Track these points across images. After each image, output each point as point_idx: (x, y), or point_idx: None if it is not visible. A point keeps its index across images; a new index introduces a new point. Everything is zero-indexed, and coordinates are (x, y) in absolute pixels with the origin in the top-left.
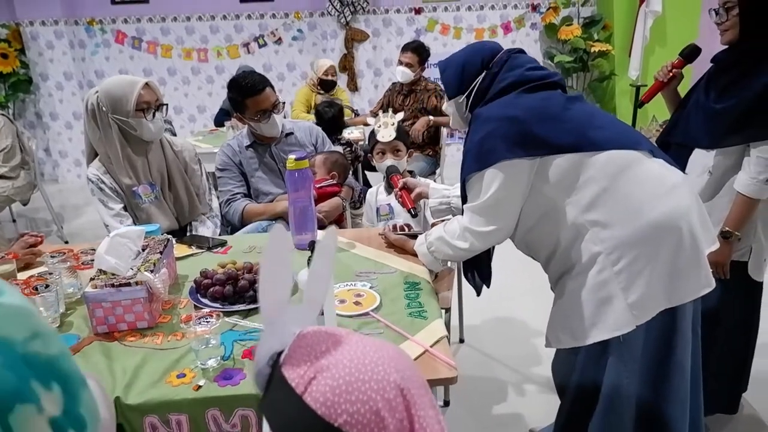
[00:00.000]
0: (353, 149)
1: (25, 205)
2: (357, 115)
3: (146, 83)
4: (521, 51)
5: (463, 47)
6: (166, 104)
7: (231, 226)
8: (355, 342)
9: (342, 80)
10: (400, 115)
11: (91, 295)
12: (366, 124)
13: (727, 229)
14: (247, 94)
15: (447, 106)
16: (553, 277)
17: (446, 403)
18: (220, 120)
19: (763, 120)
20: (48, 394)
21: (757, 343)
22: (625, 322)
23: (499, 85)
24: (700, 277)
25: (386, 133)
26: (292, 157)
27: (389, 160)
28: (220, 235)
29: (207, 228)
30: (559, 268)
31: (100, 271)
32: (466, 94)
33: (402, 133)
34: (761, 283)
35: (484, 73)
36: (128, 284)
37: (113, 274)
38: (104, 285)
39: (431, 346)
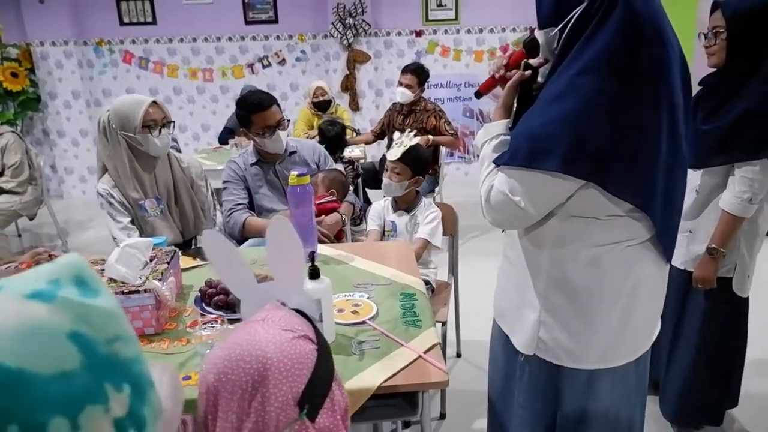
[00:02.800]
0: (354, 167)
1: (31, 220)
2: (358, 134)
3: (154, 101)
4: None
5: None
6: (173, 121)
7: (232, 238)
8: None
9: (344, 100)
10: (418, 138)
11: None
12: (367, 143)
13: (713, 246)
14: (253, 110)
15: (538, 33)
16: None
17: (442, 416)
18: (224, 138)
19: (746, 141)
20: (118, 395)
21: (747, 359)
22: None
23: (596, 41)
24: None
25: (394, 153)
26: (294, 173)
27: (386, 180)
28: None
29: None
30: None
31: (110, 279)
32: (559, 27)
33: (411, 158)
34: (747, 299)
35: (584, 5)
36: (137, 291)
37: (123, 283)
38: (114, 292)
39: (425, 353)
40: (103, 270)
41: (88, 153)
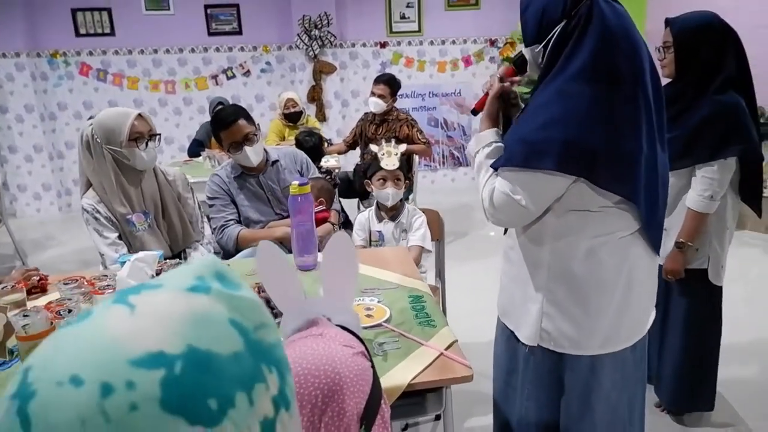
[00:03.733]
0: (332, 177)
1: None
2: (330, 144)
3: (139, 114)
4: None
5: None
6: (159, 134)
7: (224, 252)
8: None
9: (311, 111)
10: (403, 147)
11: None
12: (340, 153)
13: (680, 240)
14: (219, 127)
15: (525, 50)
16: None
17: (437, 417)
18: (194, 150)
19: (704, 145)
20: (271, 375)
21: (728, 344)
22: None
23: (578, 53)
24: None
25: (390, 162)
26: (295, 183)
27: (390, 189)
28: None
29: (201, 255)
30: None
31: None
32: (543, 44)
33: (403, 164)
34: (721, 288)
35: (563, 23)
36: None
37: None
38: None
39: (445, 350)
40: (108, 286)
41: (42, 169)
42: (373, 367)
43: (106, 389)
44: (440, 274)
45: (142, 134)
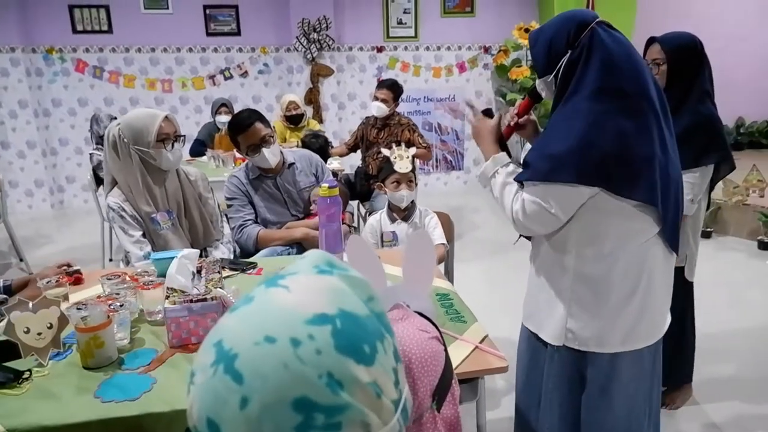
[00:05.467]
0: (337, 179)
1: None
2: (330, 147)
3: (166, 116)
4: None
5: (551, 20)
6: (184, 135)
7: (243, 251)
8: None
9: (308, 113)
10: (413, 150)
11: (171, 310)
12: (341, 156)
13: None
14: (237, 131)
15: (539, 82)
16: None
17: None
18: (197, 150)
19: (688, 153)
20: (387, 335)
21: (708, 347)
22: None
23: (586, 78)
24: None
25: (403, 165)
26: (324, 185)
27: (404, 191)
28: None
29: (221, 253)
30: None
31: (170, 289)
32: (553, 74)
33: (413, 167)
34: (692, 284)
35: (569, 53)
36: (204, 299)
37: (182, 292)
38: (182, 301)
39: (479, 343)
40: (152, 281)
41: (35, 165)
42: (446, 350)
43: (295, 342)
44: (449, 275)
45: (169, 135)
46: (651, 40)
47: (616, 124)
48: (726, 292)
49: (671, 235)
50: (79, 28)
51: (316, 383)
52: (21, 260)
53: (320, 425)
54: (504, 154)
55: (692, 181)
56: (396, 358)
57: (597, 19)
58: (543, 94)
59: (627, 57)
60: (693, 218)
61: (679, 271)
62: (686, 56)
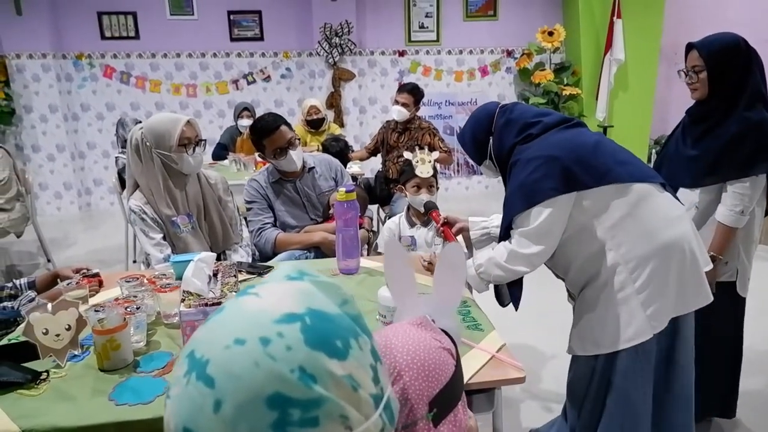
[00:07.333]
0: (357, 183)
1: (19, 237)
2: (351, 150)
3: (188, 120)
4: (514, 104)
5: (467, 119)
6: (205, 140)
7: (261, 254)
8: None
9: (329, 117)
10: (435, 154)
11: (187, 313)
12: (362, 160)
13: (712, 253)
14: (262, 135)
15: (482, 167)
16: (575, 286)
17: None
18: (219, 154)
19: (736, 162)
20: (363, 335)
21: (744, 358)
22: (645, 332)
23: (510, 140)
24: (701, 290)
25: (425, 169)
26: (342, 189)
27: (424, 195)
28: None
29: (240, 256)
30: (581, 279)
31: (186, 292)
32: (488, 157)
33: (435, 171)
34: (744, 299)
35: (491, 138)
36: (219, 303)
37: (198, 295)
38: (198, 305)
39: (496, 353)
40: (170, 284)
41: (64, 168)
42: (458, 367)
43: (264, 341)
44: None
45: (191, 139)
46: (689, 47)
47: (560, 141)
48: (758, 301)
49: (644, 174)
50: (108, 34)
51: (289, 378)
52: (48, 261)
53: (297, 420)
54: (471, 259)
55: (741, 192)
56: (375, 357)
57: (499, 105)
58: (490, 174)
59: (527, 109)
60: (744, 230)
61: (730, 287)
62: (727, 59)
